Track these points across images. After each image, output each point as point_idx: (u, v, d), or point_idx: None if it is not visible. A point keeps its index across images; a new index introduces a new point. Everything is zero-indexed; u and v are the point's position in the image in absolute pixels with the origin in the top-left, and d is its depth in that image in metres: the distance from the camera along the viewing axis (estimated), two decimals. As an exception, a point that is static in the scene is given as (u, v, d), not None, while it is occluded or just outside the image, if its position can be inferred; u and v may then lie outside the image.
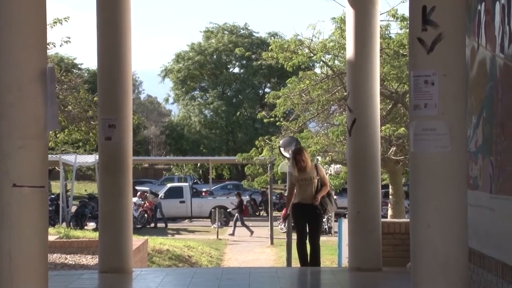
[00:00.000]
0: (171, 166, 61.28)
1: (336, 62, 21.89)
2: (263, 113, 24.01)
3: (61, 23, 19.76)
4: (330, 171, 24.72)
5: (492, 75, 7.12)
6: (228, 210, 36.32)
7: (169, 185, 43.74)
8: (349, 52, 9.81)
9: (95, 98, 19.11)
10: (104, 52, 9.60)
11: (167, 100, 68.08)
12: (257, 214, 42.73)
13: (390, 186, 23.19)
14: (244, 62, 60.77)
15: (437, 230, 5.68)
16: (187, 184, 44.05)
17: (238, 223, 33.40)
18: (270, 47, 22.42)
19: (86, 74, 53.93)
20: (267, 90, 57.19)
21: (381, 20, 17.24)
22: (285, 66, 21.51)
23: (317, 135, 22.11)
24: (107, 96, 9.59)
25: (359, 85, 9.66)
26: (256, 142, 23.85)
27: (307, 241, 11.24)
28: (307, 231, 11.20)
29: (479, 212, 7.40)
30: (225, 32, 62.30)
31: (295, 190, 11.24)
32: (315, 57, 21.46)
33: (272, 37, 53.95)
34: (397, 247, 10.28)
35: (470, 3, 7.78)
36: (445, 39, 5.67)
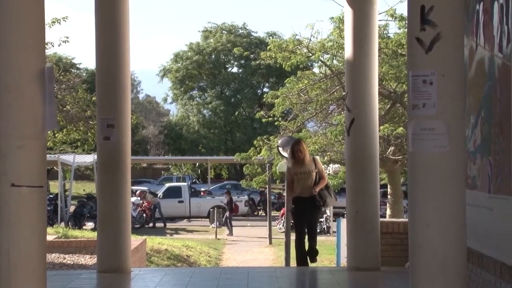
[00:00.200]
0: (170, 166, 61.26)
1: (335, 61, 21.91)
2: (262, 112, 24.00)
3: (59, 23, 19.74)
4: (329, 171, 24.71)
5: (490, 75, 7.13)
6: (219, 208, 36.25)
7: (167, 185, 43.75)
8: (348, 52, 9.81)
9: (93, 98, 19.11)
10: (102, 52, 9.59)
11: (165, 99, 68.09)
12: (255, 214, 42.74)
13: (388, 186, 23.20)
14: (243, 61, 60.75)
15: (435, 230, 5.68)
16: (185, 184, 44.06)
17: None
18: (268, 47, 22.43)
19: (84, 74, 53.95)
20: (265, 89, 57.18)
21: (379, 20, 17.28)
22: (283, 65, 21.51)
23: (315, 134, 22.12)
24: (106, 96, 9.58)
25: (357, 84, 9.66)
26: (255, 142, 23.85)
27: (306, 237, 11.17)
28: (306, 224, 11.10)
29: (477, 212, 7.40)
30: (223, 31, 62.29)
31: (294, 184, 11.13)
32: (313, 56, 21.47)
33: (271, 37, 53.96)
34: (395, 247, 10.28)
35: (469, 3, 7.78)
36: (444, 39, 5.67)
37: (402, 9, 23.23)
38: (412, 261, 5.84)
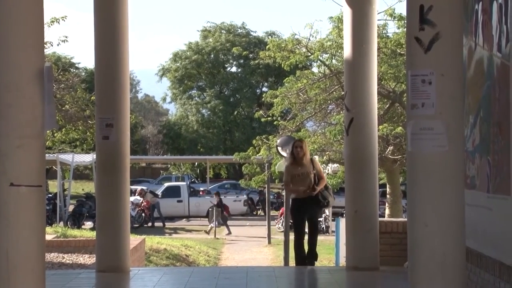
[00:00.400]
0: (169, 166, 61.25)
1: (334, 61, 21.90)
2: (261, 112, 23.99)
3: (58, 22, 19.74)
4: (328, 171, 24.74)
5: (489, 75, 7.13)
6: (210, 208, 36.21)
7: (166, 184, 43.76)
8: (347, 52, 9.81)
9: (92, 97, 19.10)
10: (101, 51, 9.59)
11: (164, 99, 68.09)
12: (254, 213, 42.76)
13: (387, 186, 23.21)
14: (242, 61, 60.74)
15: (434, 230, 5.68)
16: (184, 183, 44.05)
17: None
18: (267, 46, 22.42)
19: (83, 73, 53.96)
20: (264, 89, 57.20)
21: (378, 20, 17.28)
22: (282, 65, 21.51)
23: (314, 134, 22.12)
24: (105, 95, 9.58)
25: (356, 84, 9.66)
26: (254, 141, 23.85)
27: (306, 235, 11.13)
28: (306, 225, 11.07)
29: (476, 212, 7.40)
30: (222, 31, 62.28)
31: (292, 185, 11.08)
32: (312, 56, 21.47)
33: (270, 36, 54.01)
34: (394, 247, 10.29)
35: (468, 3, 7.78)
36: (443, 39, 5.67)
37: (401, 9, 23.22)
38: (411, 261, 5.84)
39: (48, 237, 16.51)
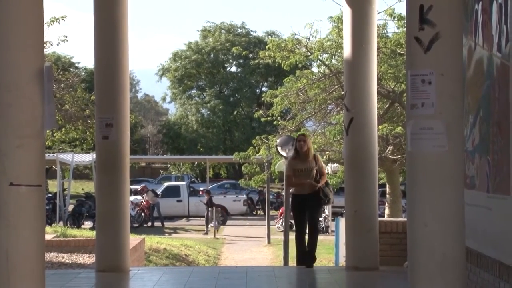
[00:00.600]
0: (168, 165, 61.23)
1: (333, 61, 21.89)
2: (260, 112, 23.97)
3: (58, 22, 19.72)
4: (328, 170, 24.71)
5: (489, 74, 7.13)
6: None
7: (166, 184, 43.73)
8: (346, 51, 9.82)
9: (92, 97, 19.09)
10: (101, 51, 9.60)
11: (164, 99, 68.05)
12: (254, 213, 42.76)
13: (387, 185, 23.20)
14: (241, 61, 60.71)
15: (434, 229, 5.69)
16: (184, 183, 44.02)
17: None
18: (267, 46, 22.40)
19: (83, 73, 53.91)
20: (264, 89, 57.15)
21: (378, 19, 17.25)
22: (282, 65, 21.49)
23: (314, 134, 22.10)
24: (104, 95, 9.59)
25: (356, 84, 9.66)
26: (253, 141, 23.83)
27: (306, 232, 11.03)
28: (307, 221, 10.88)
29: (476, 212, 7.40)
30: (222, 31, 62.25)
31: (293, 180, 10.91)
32: (312, 56, 21.46)
33: (270, 36, 53.95)
34: (394, 246, 10.29)
35: (467, 3, 7.79)
36: (442, 39, 5.67)
37: (401, 9, 23.22)
38: (411, 261, 5.84)
39: (48, 236, 16.50)
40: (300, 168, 10.79)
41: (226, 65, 63.51)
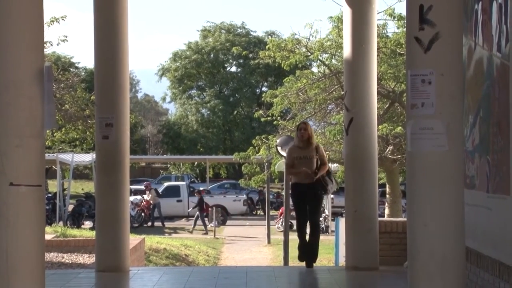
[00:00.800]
0: (168, 165, 61.24)
1: (333, 61, 21.91)
2: (260, 112, 23.98)
3: (58, 22, 19.71)
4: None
5: (489, 74, 7.13)
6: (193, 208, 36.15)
7: (166, 184, 43.73)
8: (346, 51, 9.82)
9: (92, 97, 19.09)
10: (101, 51, 9.59)
11: (164, 99, 68.07)
12: (254, 213, 42.76)
13: (387, 185, 23.20)
14: (241, 61, 60.72)
15: (434, 229, 5.69)
16: (184, 183, 44.02)
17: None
18: (267, 46, 22.41)
19: (83, 73, 53.93)
20: (264, 89, 57.18)
21: (378, 19, 17.26)
22: (282, 65, 21.50)
23: (314, 134, 22.09)
24: (104, 95, 9.59)
25: (356, 84, 9.66)
26: (253, 141, 23.84)
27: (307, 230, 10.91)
28: (307, 211, 10.67)
29: (476, 211, 7.40)
30: (222, 31, 62.27)
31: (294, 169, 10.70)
32: (312, 56, 21.47)
33: (269, 36, 53.96)
34: (394, 246, 10.29)
35: (467, 2, 7.79)
36: (442, 38, 5.67)
37: (401, 9, 23.23)
38: (411, 261, 5.84)
39: (48, 236, 16.50)
40: (299, 155, 10.46)
41: (226, 65, 63.54)
